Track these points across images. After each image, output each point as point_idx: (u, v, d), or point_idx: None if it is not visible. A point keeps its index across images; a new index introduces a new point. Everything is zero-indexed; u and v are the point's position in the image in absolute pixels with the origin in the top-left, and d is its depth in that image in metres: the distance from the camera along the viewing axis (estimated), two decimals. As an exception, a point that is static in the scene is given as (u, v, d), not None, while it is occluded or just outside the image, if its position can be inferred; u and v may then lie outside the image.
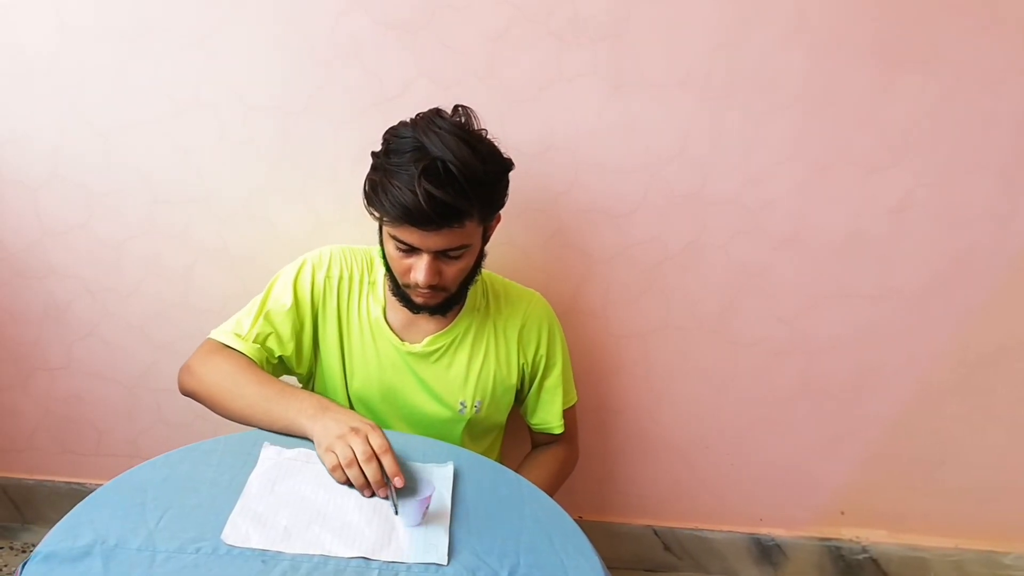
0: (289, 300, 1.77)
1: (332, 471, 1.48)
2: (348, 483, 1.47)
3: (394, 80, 1.94)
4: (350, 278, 1.82)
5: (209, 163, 2.04)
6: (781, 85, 1.94)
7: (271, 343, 1.77)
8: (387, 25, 1.89)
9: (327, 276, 1.81)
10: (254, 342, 1.75)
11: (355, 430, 1.49)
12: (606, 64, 1.93)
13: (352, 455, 1.46)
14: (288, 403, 1.60)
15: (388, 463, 1.45)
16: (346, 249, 1.86)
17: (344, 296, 1.82)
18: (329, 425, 1.52)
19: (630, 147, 2.01)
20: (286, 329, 1.77)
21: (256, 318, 1.76)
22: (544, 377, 1.95)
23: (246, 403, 1.63)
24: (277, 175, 2.04)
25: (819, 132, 1.99)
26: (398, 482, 1.43)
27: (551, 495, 1.69)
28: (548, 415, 1.98)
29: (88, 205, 2.09)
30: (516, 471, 1.82)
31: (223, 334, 1.75)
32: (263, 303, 1.78)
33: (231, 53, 1.93)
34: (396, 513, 1.43)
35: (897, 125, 1.98)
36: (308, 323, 1.81)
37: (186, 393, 1.75)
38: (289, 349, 1.78)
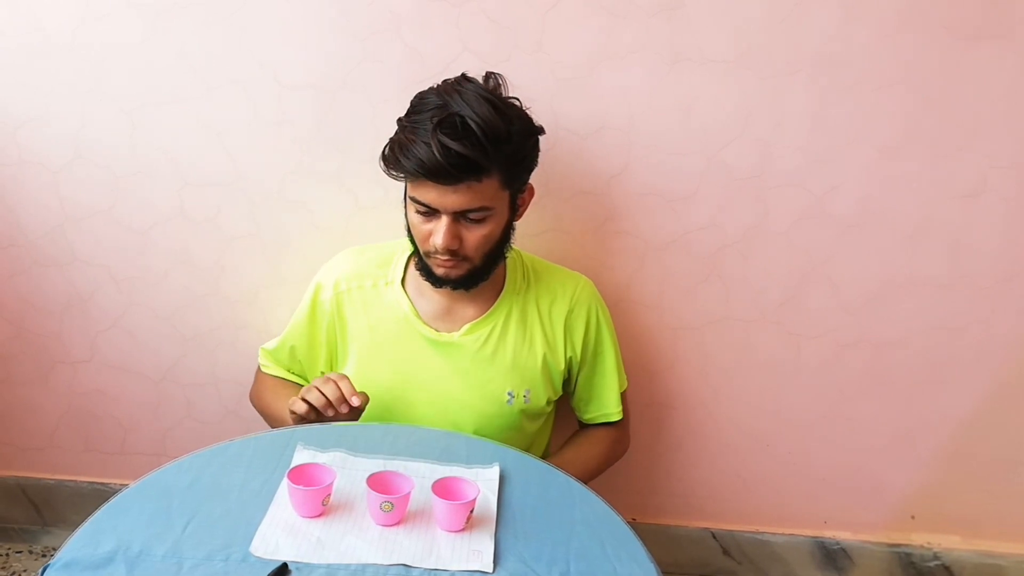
0: (304, 323, 1.90)
1: (293, 417, 1.65)
2: (309, 416, 1.63)
3: (437, 56, 1.91)
4: (360, 288, 1.85)
5: (241, 144, 2.01)
6: (847, 62, 1.91)
7: (297, 369, 1.97)
8: (430, -3, 1.88)
9: (335, 292, 1.85)
10: (279, 366, 1.97)
11: (325, 379, 1.64)
12: (661, 39, 1.89)
13: (315, 392, 1.62)
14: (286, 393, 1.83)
15: (346, 387, 1.62)
16: (357, 252, 1.92)
17: (359, 304, 1.84)
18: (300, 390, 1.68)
19: (687, 127, 1.97)
20: (307, 351, 1.92)
21: (283, 342, 1.94)
22: (594, 366, 1.93)
23: (275, 413, 1.87)
24: (313, 157, 2.02)
25: (887, 112, 1.95)
26: (355, 400, 1.60)
27: (596, 476, 1.85)
28: (605, 404, 1.96)
29: (113, 189, 2.06)
30: (563, 447, 2.01)
31: (260, 355, 2.00)
32: (289, 330, 1.94)
33: (263, 27, 1.90)
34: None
35: (970, 104, 1.95)
36: (326, 341, 1.89)
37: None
38: (317, 368, 1.93)
